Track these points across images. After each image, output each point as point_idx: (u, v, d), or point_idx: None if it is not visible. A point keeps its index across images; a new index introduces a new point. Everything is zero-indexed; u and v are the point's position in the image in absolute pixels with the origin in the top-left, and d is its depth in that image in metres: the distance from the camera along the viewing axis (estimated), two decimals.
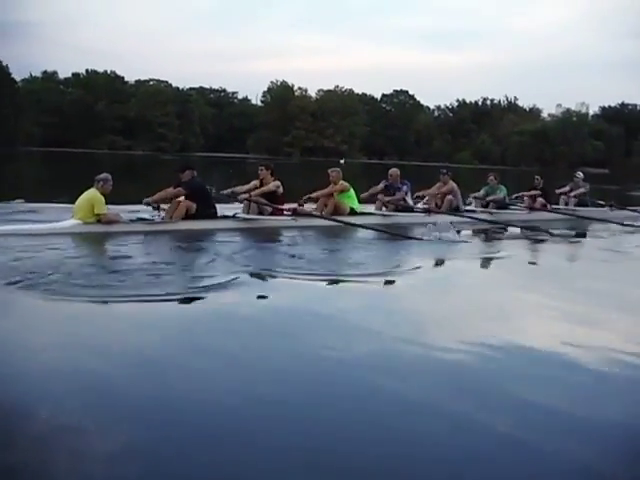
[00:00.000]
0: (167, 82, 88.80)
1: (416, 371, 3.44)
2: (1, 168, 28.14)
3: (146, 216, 8.04)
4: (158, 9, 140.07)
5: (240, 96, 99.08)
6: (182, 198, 8.19)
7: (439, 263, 7.06)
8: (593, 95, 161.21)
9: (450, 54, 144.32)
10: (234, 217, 8.70)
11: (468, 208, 11.12)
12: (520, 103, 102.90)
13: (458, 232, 8.24)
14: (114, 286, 4.83)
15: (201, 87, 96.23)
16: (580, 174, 13.12)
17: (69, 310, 4.31)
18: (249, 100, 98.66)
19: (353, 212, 9.42)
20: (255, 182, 9.18)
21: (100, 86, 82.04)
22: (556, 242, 9.08)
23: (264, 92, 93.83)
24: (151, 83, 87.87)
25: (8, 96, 66.98)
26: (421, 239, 7.82)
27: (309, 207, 9.41)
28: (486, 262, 7.36)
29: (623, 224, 10.71)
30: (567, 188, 12.99)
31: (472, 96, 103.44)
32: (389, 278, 5.88)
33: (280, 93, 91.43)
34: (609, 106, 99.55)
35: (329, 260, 6.74)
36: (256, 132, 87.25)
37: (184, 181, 8.33)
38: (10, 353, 3.51)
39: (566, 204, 12.62)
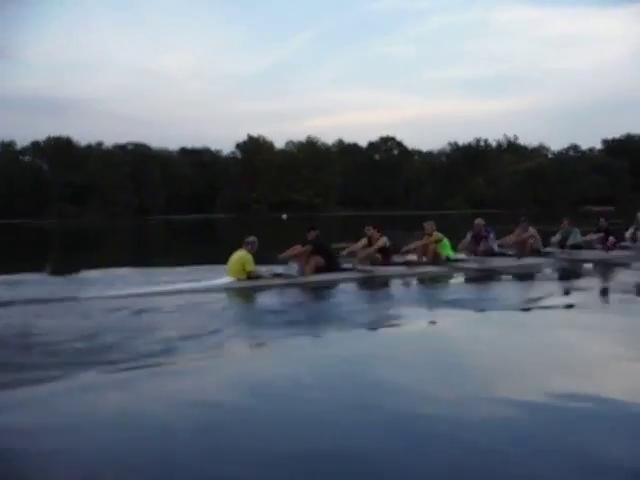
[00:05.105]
0: (146, 145, 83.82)
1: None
2: None
3: (281, 271, 9.34)
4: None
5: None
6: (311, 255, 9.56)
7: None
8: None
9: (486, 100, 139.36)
10: (354, 269, 9.85)
11: (547, 250, 12.12)
12: (522, 142, 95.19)
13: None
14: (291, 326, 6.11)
15: (182, 148, 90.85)
16: None
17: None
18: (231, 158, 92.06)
19: (449, 259, 10.71)
20: (364, 240, 10.44)
21: (53, 153, 77.52)
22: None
23: (235, 147, 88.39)
24: (129, 147, 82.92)
25: None
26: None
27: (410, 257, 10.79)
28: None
29: None
30: (631, 230, 13.38)
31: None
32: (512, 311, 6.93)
33: (248, 148, 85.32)
34: (613, 139, 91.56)
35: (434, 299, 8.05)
36: (226, 190, 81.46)
37: (310, 239, 9.70)
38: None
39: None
